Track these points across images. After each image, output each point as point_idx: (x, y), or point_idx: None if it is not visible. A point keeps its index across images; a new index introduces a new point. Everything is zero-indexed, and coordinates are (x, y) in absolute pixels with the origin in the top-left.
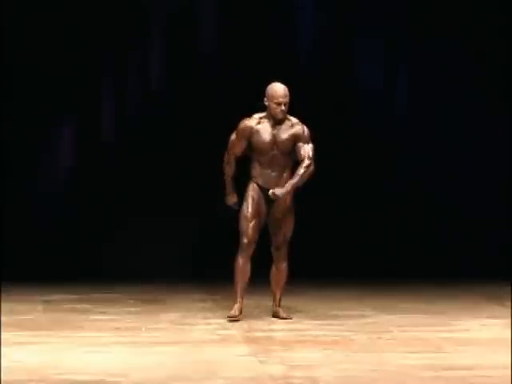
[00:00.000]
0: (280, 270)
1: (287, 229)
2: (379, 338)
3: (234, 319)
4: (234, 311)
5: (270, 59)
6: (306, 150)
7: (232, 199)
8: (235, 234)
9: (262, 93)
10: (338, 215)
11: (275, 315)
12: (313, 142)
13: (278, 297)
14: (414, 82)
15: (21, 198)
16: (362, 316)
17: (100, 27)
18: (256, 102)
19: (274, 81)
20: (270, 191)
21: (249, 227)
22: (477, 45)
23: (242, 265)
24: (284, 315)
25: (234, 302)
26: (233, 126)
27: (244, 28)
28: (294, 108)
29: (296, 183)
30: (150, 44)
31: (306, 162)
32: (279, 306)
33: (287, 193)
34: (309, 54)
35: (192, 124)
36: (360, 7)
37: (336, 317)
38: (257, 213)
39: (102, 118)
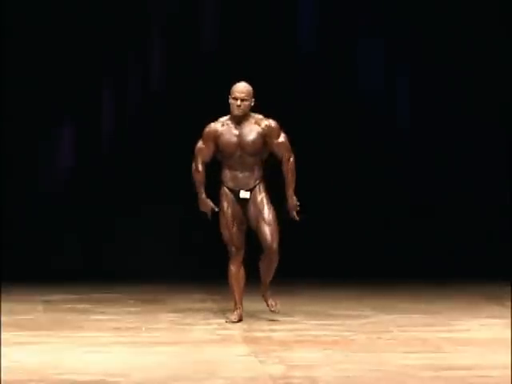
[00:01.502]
0: (272, 260)
1: (272, 227)
2: (379, 338)
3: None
4: (235, 317)
5: (270, 59)
6: (281, 144)
7: (205, 206)
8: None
9: (261, 93)
10: (337, 215)
11: (264, 299)
12: (284, 132)
13: (267, 282)
14: (414, 81)
15: (21, 197)
16: (362, 316)
17: (100, 27)
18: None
19: (273, 81)
20: (292, 215)
21: (232, 234)
22: (477, 45)
23: (235, 272)
24: (270, 304)
25: (234, 308)
26: None
27: (244, 28)
28: (295, 108)
29: (293, 186)
30: (150, 44)
31: (286, 156)
32: (267, 291)
33: (296, 203)
34: (309, 54)
35: (192, 124)
36: (360, 7)
37: (336, 317)
38: (235, 218)
39: (102, 118)
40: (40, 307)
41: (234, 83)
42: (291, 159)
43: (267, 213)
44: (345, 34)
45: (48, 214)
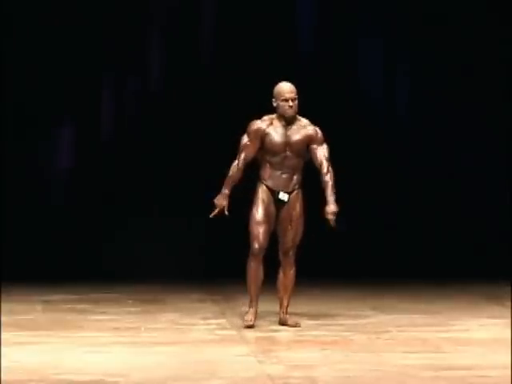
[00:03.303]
0: (287, 275)
1: (296, 233)
2: (378, 338)
3: (250, 326)
4: (249, 317)
5: (270, 60)
6: (322, 152)
7: (221, 202)
8: (235, 234)
9: (261, 93)
10: (337, 215)
11: (282, 323)
12: (326, 143)
13: (285, 303)
14: (414, 81)
15: (21, 197)
16: (362, 316)
17: (100, 27)
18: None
19: (272, 81)
20: (330, 218)
21: (260, 232)
22: (477, 44)
23: (255, 270)
24: (292, 323)
25: (249, 305)
26: (233, 125)
27: (243, 28)
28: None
29: (334, 192)
30: (150, 44)
31: (325, 165)
32: (287, 313)
33: (336, 209)
34: (309, 55)
35: (192, 124)
36: (360, 7)
37: (335, 317)
38: (267, 217)
39: (102, 118)
40: (39, 307)
41: (240, 85)
42: (330, 169)
43: (296, 223)
44: (344, 34)
45: (48, 214)
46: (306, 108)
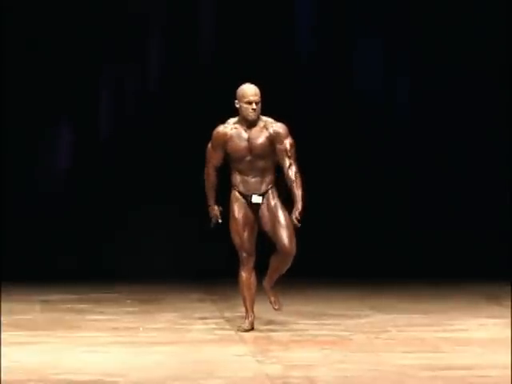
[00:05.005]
0: (287, 258)
1: (287, 226)
2: (377, 337)
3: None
4: (247, 326)
5: (270, 60)
6: (283, 151)
7: (214, 211)
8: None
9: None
10: (336, 215)
11: (265, 292)
12: (292, 138)
13: (274, 277)
14: (414, 81)
15: (21, 197)
16: (361, 316)
17: (99, 27)
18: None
19: (272, 81)
20: (295, 219)
21: (243, 240)
22: (477, 44)
23: (247, 279)
24: (272, 299)
25: (246, 316)
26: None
27: (243, 28)
28: (295, 109)
29: (301, 193)
30: (149, 44)
31: (287, 163)
32: (272, 287)
33: (302, 209)
34: (308, 54)
35: (192, 124)
36: (359, 7)
37: (334, 316)
38: (246, 223)
39: (101, 118)
40: (38, 307)
41: (239, 85)
42: (292, 166)
43: (282, 217)
44: (344, 34)
45: (48, 214)
46: (306, 108)
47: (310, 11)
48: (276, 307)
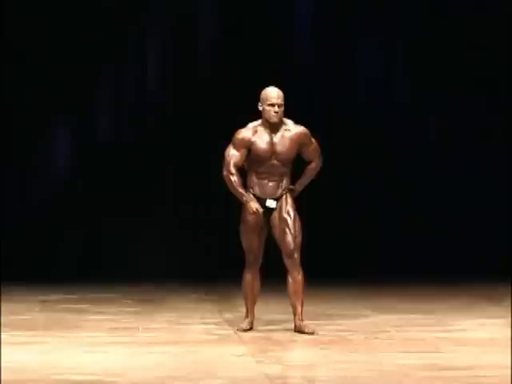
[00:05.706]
0: (296, 280)
1: (296, 233)
2: (377, 337)
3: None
4: (246, 326)
5: (269, 61)
6: (315, 151)
7: (253, 204)
8: (233, 234)
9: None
10: (337, 215)
11: (298, 330)
12: (314, 139)
13: (299, 310)
14: (414, 81)
15: (20, 198)
16: (360, 316)
17: (99, 27)
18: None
19: (272, 83)
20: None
21: (252, 242)
22: (477, 44)
23: (251, 280)
24: (309, 331)
25: (245, 316)
26: (232, 127)
27: (243, 28)
28: (293, 109)
29: (305, 183)
30: (149, 45)
31: (317, 161)
32: (302, 320)
33: (294, 190)
34: (308, 54)
35: (191, 124)
36: (359, 7)
37: (333, 316)
38: (257, 226)
39: (100, 118)
40: (37, 307)
41: (239, 87)
42: (320, 165)
43: (293, 224)
44: (344, 34)
45: (48, 214)
46: (305, 108)
47: (309, 11)
48: (312, 331)
